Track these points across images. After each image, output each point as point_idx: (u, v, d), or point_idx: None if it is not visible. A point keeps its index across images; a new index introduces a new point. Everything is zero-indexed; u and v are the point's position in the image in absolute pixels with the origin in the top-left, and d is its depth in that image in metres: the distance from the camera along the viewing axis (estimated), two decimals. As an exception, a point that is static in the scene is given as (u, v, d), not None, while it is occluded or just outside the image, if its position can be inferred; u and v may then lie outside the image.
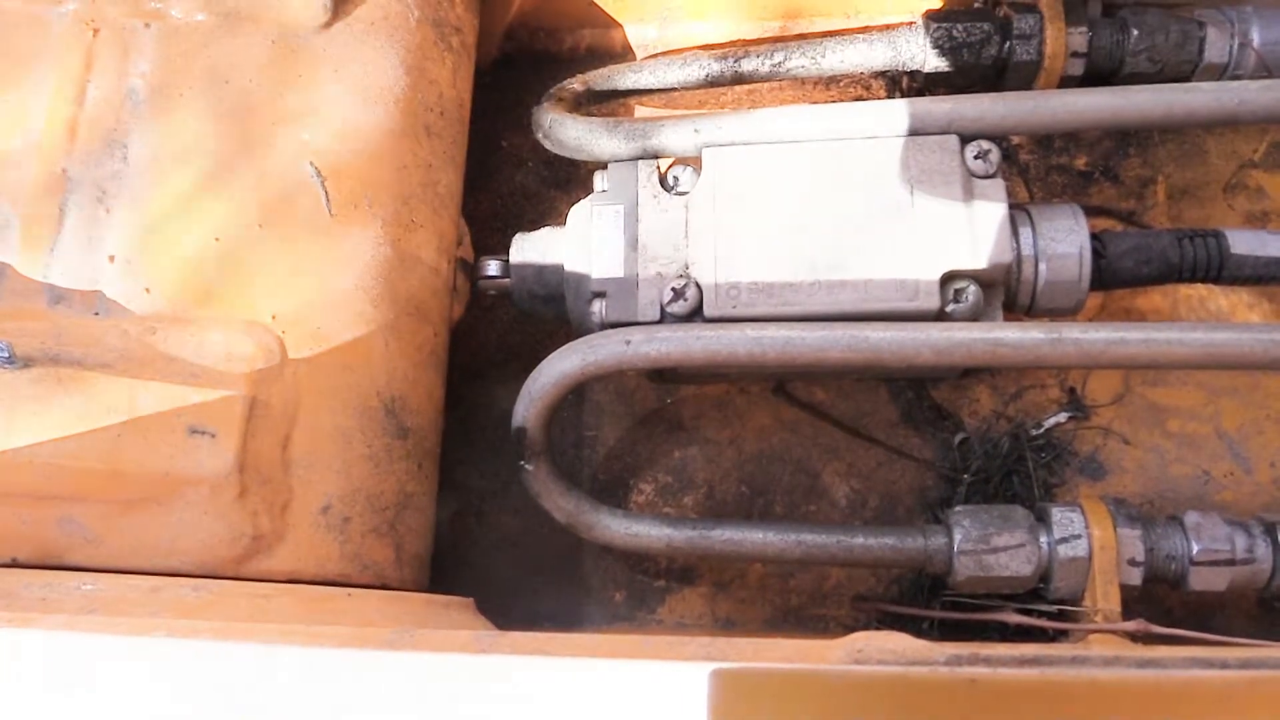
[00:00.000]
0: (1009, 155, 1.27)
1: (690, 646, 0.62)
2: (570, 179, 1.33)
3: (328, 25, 1.03)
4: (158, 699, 0.66)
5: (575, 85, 1.22)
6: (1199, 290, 1.22)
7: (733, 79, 1.21)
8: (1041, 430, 1.19)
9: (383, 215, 1.01)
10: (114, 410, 0.88)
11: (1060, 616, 1.03)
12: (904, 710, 0.57)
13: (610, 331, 1.04)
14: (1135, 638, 0.97)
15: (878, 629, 1.11)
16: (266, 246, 0.97)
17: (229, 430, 0.89)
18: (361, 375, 0.98)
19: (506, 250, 1.14)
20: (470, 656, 0.64)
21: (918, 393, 1.21)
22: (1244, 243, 1.06)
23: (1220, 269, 1.06)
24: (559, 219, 1.13)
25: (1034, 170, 1.27)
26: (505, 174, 1.34)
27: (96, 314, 0.94)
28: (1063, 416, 1.19)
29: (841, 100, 1.32)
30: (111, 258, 0.95)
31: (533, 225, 1.16)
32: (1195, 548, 1.01)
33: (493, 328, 1.30)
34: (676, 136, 1.09)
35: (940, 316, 1.02)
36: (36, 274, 0.95)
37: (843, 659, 0.59)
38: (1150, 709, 0.55)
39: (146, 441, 0.88)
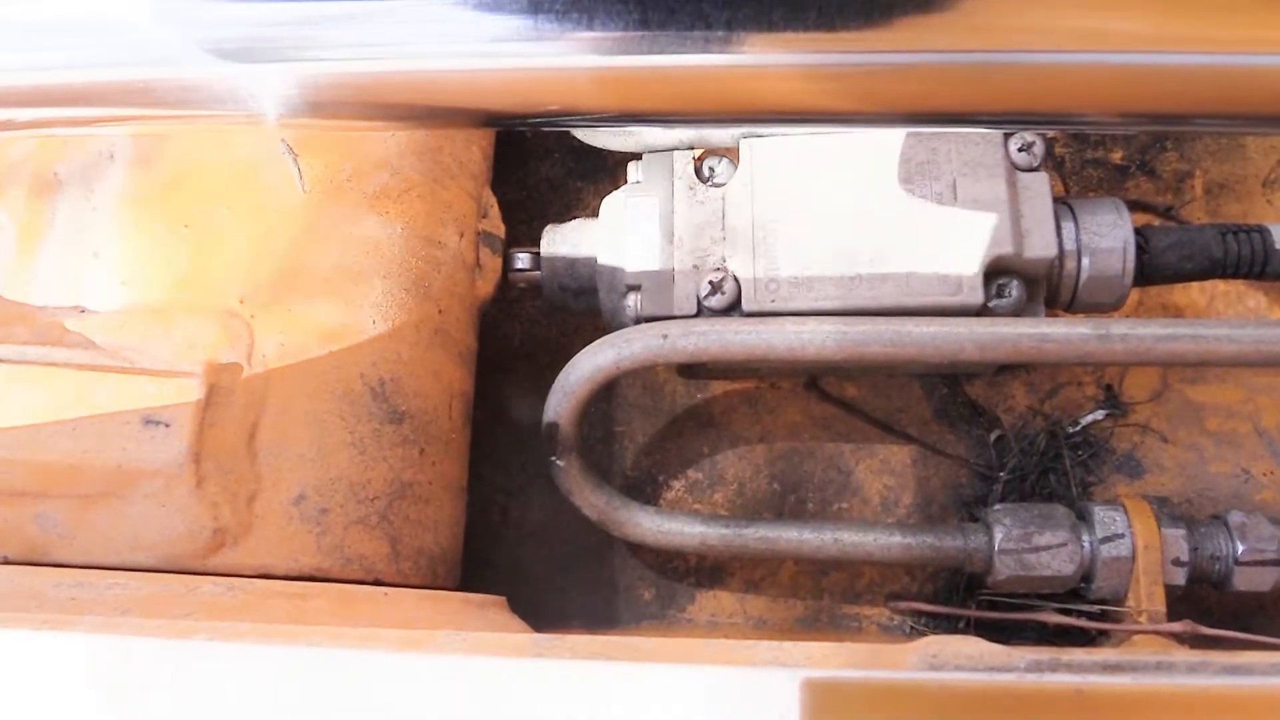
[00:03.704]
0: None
1: (758, 650, 0.60)
2: (597, 170, 1.31)
3: None
4: (201, 705, 0.64)
5: (605, 74, 1.19)
6: (1236, 286, 1.20)
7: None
8: (1078, 428, 1.17)
9: (366, 188, 0.98)
10: (73, 405, 0.87)
11: (1102, 617, 1.02)
12: (987, 719, 0.55)
13: (646, 326, 1.02)
14: (1182, 639, 0.96)
15: (924, 631, 1.10)
16: (233, 230, 0.94)
17: (183, 420, 0.86)
18: (342, 357, 0.94)
19: (532, 241, 1.12)
20: (528, 661, 0.62)
21: (952, 389, 1.20)
22: (1289, 238, 1.05)
23: (1265, 265, 1.05)
24: (585, 210, 1.11)
25: (1069, 164, 1.26)
26: (531, 165, 1.32)
27: (83, 312, 0.93)
28: (1100, 414, 1.17)
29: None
30: (96, 254, 0.94)
31: (559, 217, 1.14)
32: (1241, 548, 1.00)
33: (519, 321, 1.27)
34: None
35: (983, 312, 1.00)
36: (27, 275, 0.94)
37: (917, 665, 0.57)
38: (1243, 718, 0.54)
39: (101, 434, 0.86)
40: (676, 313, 1.03)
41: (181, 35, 0.55)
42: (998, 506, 1.05)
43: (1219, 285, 1.21)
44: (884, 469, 1.18)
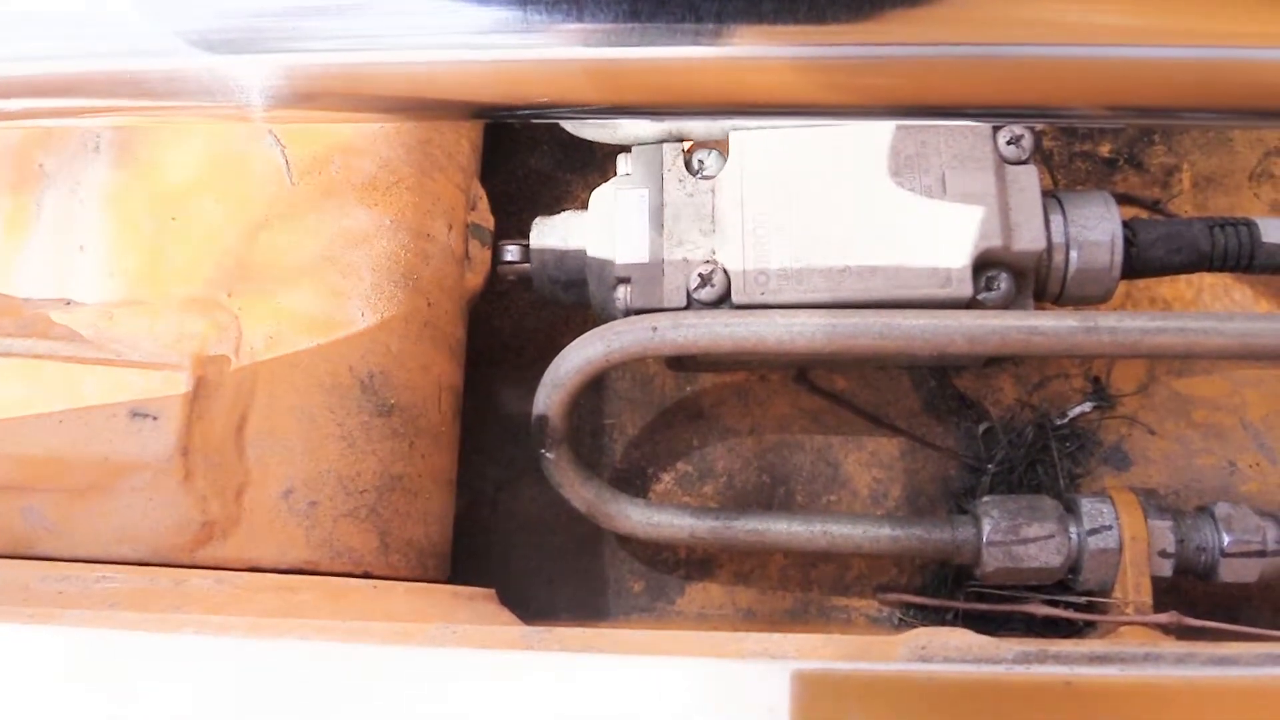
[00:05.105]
0: (1031, 141, 1.26)
1: (747, 642, 0.60)
2: (586, 163, 1.30)
3: None
4: (189, 700, 0.64)
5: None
6: (1224, 279, 1.21)
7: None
8: (1066, 420, 1.17)
9: (354, 180, 0.97)
10: (60, 397, 0.86)
11: (1089, 608, 1.02)
12: (975, 710, 0.55)
13: (635, 318, 1.02)
14: (1168, 630, 0.96)
15: (913, 622, 1.11)
16: (220, 222, 0.94)
17: (170, 413, 0.86)
18: (331, 350, 0.94)
19: (521, 234, 1.12)
20: (517, 653, 0.62)
21: (940, 382, 1.20)
22: (1276, 231, 1.05)
23: (1252, 258, 1.05)
24: (574, 203, 1.11)
25: (1057, 157, 1.26)
26: (519, 157, 1.31)
27: (70, 304, 0.92)
28: (1087, 406, 1.18)
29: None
30: (82, 247, 0.94)
31: (548, 209, 1.13)
32: (1226, 539, 1.00)
33: (507, 313, 1.27)
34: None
35: (972, 305, 1.00)
36: (13, 268, 0.94)
37: (907, 656, 0.57)
38: (1230, 709, 0.54)
39: (88, 427, 0.86)
40: (666, 305, 1.02)
41: (168, 26, 0.55)
42: (986, 498, 1.05)
43: (1206, 278, 1.21)
44: (873, 461, 1.19)
